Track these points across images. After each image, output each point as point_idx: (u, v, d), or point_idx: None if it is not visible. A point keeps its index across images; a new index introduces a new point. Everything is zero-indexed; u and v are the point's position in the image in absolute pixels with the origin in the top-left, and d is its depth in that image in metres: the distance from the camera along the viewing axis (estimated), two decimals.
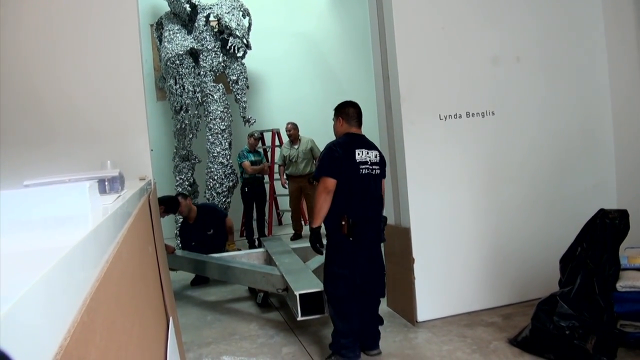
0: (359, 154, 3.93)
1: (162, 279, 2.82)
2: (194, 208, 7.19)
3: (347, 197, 3.90)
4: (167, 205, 6.76)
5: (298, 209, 9.11)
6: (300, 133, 8.83)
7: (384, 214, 4.23)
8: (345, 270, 3.94)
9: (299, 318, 4.34)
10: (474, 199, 5.08)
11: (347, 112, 4.13)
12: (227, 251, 7.05)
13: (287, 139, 9.02)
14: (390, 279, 4.90)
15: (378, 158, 4.06)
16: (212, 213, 7.38)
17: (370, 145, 4.08)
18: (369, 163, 3.97)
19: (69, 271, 0.71)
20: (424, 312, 4.85)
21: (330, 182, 3.86)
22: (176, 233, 8.84)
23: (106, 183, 2.03)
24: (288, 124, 8.88)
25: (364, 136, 4.14)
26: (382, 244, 4.25)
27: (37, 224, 1.22)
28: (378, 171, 4.05)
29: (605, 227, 3.89)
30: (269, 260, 6.14)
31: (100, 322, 0.85)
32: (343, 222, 3.86)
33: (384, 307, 4.99)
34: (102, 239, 1.09)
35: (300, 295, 4.30)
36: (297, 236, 8.85)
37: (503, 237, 5.14)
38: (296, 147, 8.76)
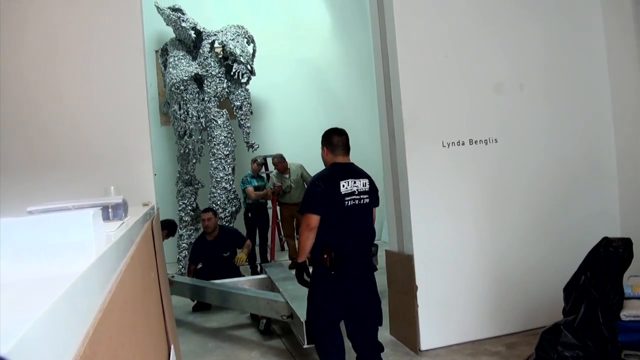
0: (344, 186, 3.78)
1: (164, 305, 2.81)
2: (218, 226, 7.22)
3: (332, 230, 3.79)
4: (170, 229, 6.79)
5: (293, 235, 9.11)
6: (288, 160, 8.91)
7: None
8: (327, 303, 3.81)
9: (305, 345, 4.31)
10: (478, 227, 5.07)
11: (331, 140, 3.93)
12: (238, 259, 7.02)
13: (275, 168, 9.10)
14: (393, 306, 4.87)
15: (367, 186, 3.90)
16: (234, 236, 7.37)
17: (358, 174, 3.91)
18: (357, 193, 3.82)
19: (72, 304, 0.71)
20: (427, 340, 4.81)
21: (313, 219, 3.76)
22: (178, 258, 8.82)
23: (110, 210, 2.03)
24: (274, 157, 8.97)
25: (351, 164, 3.97)
26: (374, 272, 4.10)
27: (40, 253, 1.22)
28: (367, 200, 3.90)
29: (609, 256, 3.87)
30: (271, 286, 6.11)
31: (103, 354, 0.85)
32: (325, 255, 3.74)
33: (386, 335, 4.96)
34: (105, 268, 1.09)
35: (306, 322, 4.26)
36: (294, 265, 8.82)
37: (507, 264, 5.12)
38: (287, 176, 8.82)
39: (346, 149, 3.95)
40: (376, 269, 4.11)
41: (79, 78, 4.21)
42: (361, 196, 3.84)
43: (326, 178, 3.83)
